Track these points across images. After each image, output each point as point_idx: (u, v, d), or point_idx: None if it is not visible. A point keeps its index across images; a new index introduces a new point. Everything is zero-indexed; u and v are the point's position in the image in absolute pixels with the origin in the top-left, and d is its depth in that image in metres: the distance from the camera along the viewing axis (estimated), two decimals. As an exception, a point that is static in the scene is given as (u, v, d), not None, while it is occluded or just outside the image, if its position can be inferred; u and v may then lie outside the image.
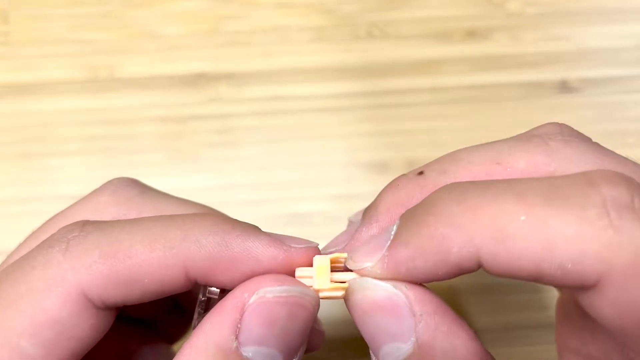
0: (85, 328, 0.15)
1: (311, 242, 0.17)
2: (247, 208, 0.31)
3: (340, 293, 0.16)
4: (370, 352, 0.16)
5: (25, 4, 0.34)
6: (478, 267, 0.14)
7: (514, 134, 0.33)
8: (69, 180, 0.31)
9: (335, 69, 0.33)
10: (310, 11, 0.34)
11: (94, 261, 0.15)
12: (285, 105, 0.33)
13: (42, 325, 0.15)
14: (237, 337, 0.14)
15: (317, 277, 0.16)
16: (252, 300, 0.15)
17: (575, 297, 0.14)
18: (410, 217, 0.15)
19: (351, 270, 0.16)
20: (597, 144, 0.17)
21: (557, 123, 0.18)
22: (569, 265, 0.13)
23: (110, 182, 0.20)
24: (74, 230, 0.16)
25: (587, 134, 0.33)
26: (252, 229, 0.16)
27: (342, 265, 0.16)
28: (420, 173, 0.17)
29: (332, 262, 0.16)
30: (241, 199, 0.31)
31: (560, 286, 0.14)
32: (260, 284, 0.15)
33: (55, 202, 0.31)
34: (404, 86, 0.33)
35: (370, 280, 0.15)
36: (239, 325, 0.15)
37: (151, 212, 0.18)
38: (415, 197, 0.17)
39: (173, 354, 0.21)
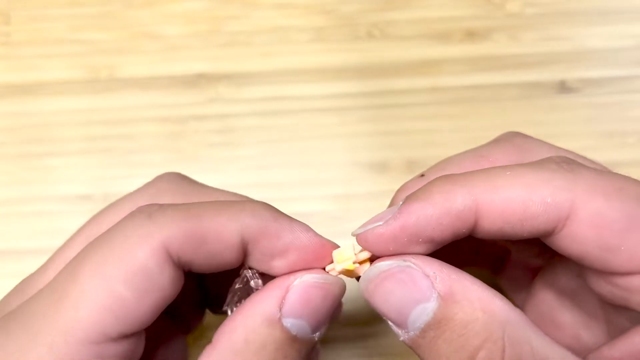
0: (166, 280, 0.18)
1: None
2: (247, 208, 0.31)
3: (355, 266, 0.19)
4: (396, 329, 0.18)
5: (26, 4, 0.34)
6: (474, 221, 0.18)
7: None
8: (70, 180, 0.31)
9: (335, 69, 0.33)
10: (310, 11, 0.34)
11: (173, 222, 0.18)
12: (285, 105, 0.33)
13: (135, 272, 0.17)
14: (280, 309, 0.18)
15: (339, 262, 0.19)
16: (295, 282, 0.18)
17: (549, 242, 0.18)
18: (417, 190, 0.19)
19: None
20: (549, 143, 0.22)
21: (515, 131, 0.23)
22: (549, 199, 0.17)
23: (160, 176, 0.23)
24: (152, 206, 0.19)
25: (586, 134, 0.34)
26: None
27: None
28: (422, 175, 0.21)
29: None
30: (241, 198, 0.31)
31: (536, 227, 0.18)
32: (303, 272, 0.19)
33: (56, 202, 0.31)
34: (403, 86, 0.33)
35: (380, 264, 0.18)
36: (283, 301, 0.18)
37: (203, 199, 0.21)
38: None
39: (186, 345, 0.24)
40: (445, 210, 0.18)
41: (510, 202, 0.17)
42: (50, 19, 0.34)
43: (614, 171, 0.19)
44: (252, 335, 0.18)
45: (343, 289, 0.19)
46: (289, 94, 0.33)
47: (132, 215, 0.18)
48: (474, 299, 0.17)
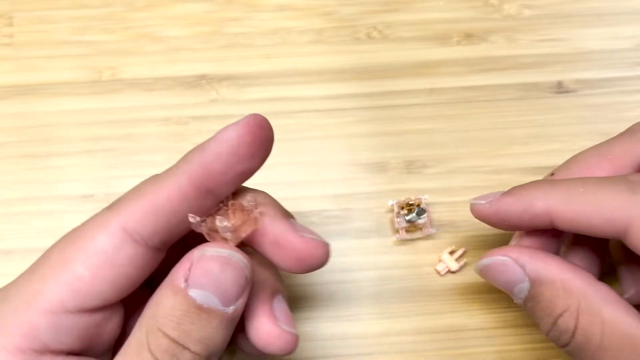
0: (124, 258, 0.20)
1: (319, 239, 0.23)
2: (248, 207, 0.31)
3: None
4: (510, 295, 0.25)
5: (29, 5, 0.34)
6: (550, 221, 0.23)
7: (511, 134, 0.34)
8: (73, 180, 0.32)
9: (335, 71, 0.33)
10: (311, 14, 0.35)
11: (129, 205, 0.21)
12: (286, 106, 0.33)
13: (92, 254, 0.20)
14: (186, 280, 0.20)
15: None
16: (196, 255, 0.20)
17: (624, 242, 0.22)
18: (517, 187, 0.25)
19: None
20: None
21: None
22: (608, 216, 0.22)
23: None
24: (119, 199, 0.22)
25: (582, 135, 0.34)
26: None
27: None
28: (552, 174, 0.26)
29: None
30: (242, 198, 0.31)
31: (604, 234, 0.22)
32: (205, 246, 0.21)
33: (59, 202, 0.31)
34: (402, 87, 0.33)
35: (483, 261, 0.25)
36: (188, 272, 0.20)
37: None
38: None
39: None
40: (526, 210, 0.24)
41: (577, 215, 0.23)
42: (53, 21, 0.34)
43: None
44: (162, 300, 0.20)
45: (246, 264, 0.21)
46: (289, 95, 0.33)
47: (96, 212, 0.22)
48: (556, 279, 0.23)
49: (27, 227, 0.31)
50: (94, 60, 0.34)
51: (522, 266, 0.24)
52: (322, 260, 0.22)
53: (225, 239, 0.21)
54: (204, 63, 0.34)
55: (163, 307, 0.20)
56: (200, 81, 0.33)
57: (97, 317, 0.21)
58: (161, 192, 0.21)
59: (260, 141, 0.22)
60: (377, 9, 0.35)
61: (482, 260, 0.25)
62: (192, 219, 0.21)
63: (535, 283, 0.23)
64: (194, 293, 0.20)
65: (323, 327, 0.30)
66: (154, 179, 0.22)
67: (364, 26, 0.34)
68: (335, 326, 0.30)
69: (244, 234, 0.22)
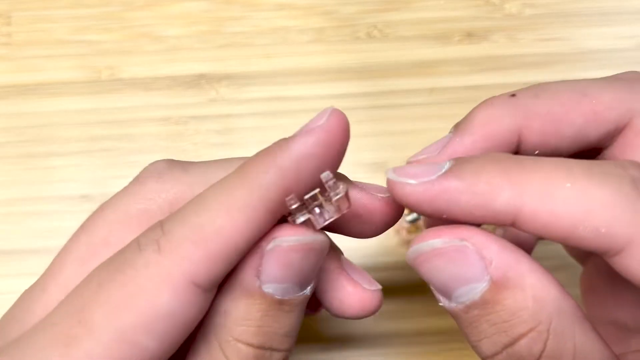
0: (194, 312, 0.16)
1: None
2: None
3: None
4: (438, 295, 0.17)
5: (27, 5, 0.34)
6: (511, 221, 0.16)
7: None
8: (71, 180, 0.32)
9: (335, 70, 0.33)
10: (310, 13, 0.34)
11: (189, 251, 0.16)
12: (286, 105, 0.33)
13: (158, 320, 0.16)
14: (258, 278, 0.17)
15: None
16: (269, 247, 0.17)
17: (606, 260, 0.16)
18: (468, 161, 0.17)
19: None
20: None
21: (636, 71, 0.20)
22: (603, 230, 0.15)
23: (147, 169, 0.20)
24: (155, 231, 0.17)
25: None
26: None
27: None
28: (513, 95, 0.19)
29: None
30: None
31: (587, 248, 0.16)
32: (278, 235, 0.17)
33: (58, 203, 0.31)
34: (403, 87, 0.33)
35: (433, 241, 0.17)
36: (260, 268, 0.17)
37: (201, 185, 0.18)
38: (506, 116, 0.19)
39: None
40: (484, 204, 0.16)
41: (558, 220, 0.16)
42: (52, 20, 0.34)
43: None
44: (231, 306, 0.17)
45: (325, 243, 0.18)
46: (289, 95, 0.33)
47: (137, 249, 0.16)
48: (526, 286, 0.16)
49: (25, 227, 0.31)
50: (92, 60, 0.33)
51: (484, 259, 0.16)
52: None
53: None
54: (203, 62, 0.33)
55: (235, 314, 0.17)
56: (200, 81, 0.33)
57: None
58: (233, 228, 0.16)
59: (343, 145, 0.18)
60: (378, 8, 0.34)
61: (424, 242, 0.17)
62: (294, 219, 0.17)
63: (497, 285, 0.16)
64: (270, 288, 0.17)
65: (324, 328, 0.29)
66: (214, 204, 0.16)
67: (364, 25, 0.34)
68: (337, 327, 0.30)
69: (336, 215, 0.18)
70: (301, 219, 0.17)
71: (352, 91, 0.33)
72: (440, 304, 0.17)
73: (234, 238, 0.16)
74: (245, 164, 0.17)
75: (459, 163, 0.17)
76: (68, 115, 0.32)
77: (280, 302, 0.17)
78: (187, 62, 0.33)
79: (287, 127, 0.32)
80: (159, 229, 0.17)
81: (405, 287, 0.30)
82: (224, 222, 0.16)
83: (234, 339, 0.17)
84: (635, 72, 0.20)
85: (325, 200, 0.18)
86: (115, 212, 0.19)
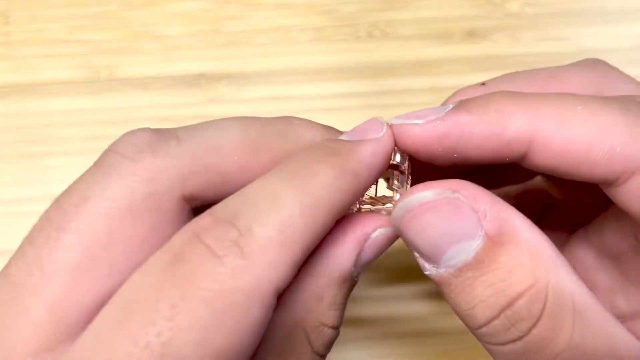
0: (268, 320, 0.15)
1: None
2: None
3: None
4: (423, 262, 0.16)
5: (25, 4, 0.34)
6: (524, 152, 0.16)
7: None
8: (70, 181, 0.31)
9: (336, 69, 0.33)
10: (311, 12, 0.34)
11: (275, 256, 0.14)
12: (286, 105, 0.33)
13: (248, 339, 0.14)
14: (355, 264, 0.17)
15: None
16: (375, 235, 0.17)
17: (612, 193, 0.16)
18: (474, 98, 0.17)
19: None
20: (637, 81, 0.19)
21: (599, 59, 0.20)
22: (618, 149, 0.15)
23: (127, 141, 0.17)
24: (226, 229, 0.14)
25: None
26: None
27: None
28: (483, 84, 0.19)
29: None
30: (242, 199, 0.31)
31: (598, 177, 0.15)
32: (378, 224, 0.17)
33: (56, 202, 0.31)
34: (403, 86, 0.33)
35: (423, 193, 0.16)
36: (359, 256, 0.17)
37: (205, 154, 0.17)
38: None
39: None
40: (497, 132, 0.16)
41: (573, 143, 0.15)
42: (50, 19, 0.34)
43: None
44: (327, 293, 0.17)
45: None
46: (289, 94, 0.33)
47: (208, 250, 0.14)
48: (522, 241, 0.15)
49: (24, 227, 0.31)
50: (91, 60, 0.33)
51: (478, 213, 0.15)
52: None
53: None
54: (202, 62, 0.33)
55: (329, 300, 0.17)
56: (199, 80, 0.33)
57: None
58: (315, 228, 0.15)
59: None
60: (378, 7, 0.34)
61: (413, 195, 0.16)
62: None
63: (492, 242, 0.15)
64: (355, 273, 0.17)
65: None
66: (290, 199, 0.15)
67: (364, 24, 0.34)
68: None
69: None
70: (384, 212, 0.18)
71: (352, 91, 0.33)
72: (427, 272, 0.16)
73: (314, 240, 0.15)
74: (314, 157, 0.16)
75: (465, 100, 0.17)
76: (67, 115, 0.32)
77: (354, 283, 0.17)
78: (187, 61, 0.33)
79: (287, 127, 0.32)
80: (230, 226, 0.14)
81: (405, 286, 0.30)
82: (307, 222, 0.15)
83: (321, 324, 0.16)
84: (595, 58, 0.20)
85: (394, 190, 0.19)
86: (111, 201, 0.16)
